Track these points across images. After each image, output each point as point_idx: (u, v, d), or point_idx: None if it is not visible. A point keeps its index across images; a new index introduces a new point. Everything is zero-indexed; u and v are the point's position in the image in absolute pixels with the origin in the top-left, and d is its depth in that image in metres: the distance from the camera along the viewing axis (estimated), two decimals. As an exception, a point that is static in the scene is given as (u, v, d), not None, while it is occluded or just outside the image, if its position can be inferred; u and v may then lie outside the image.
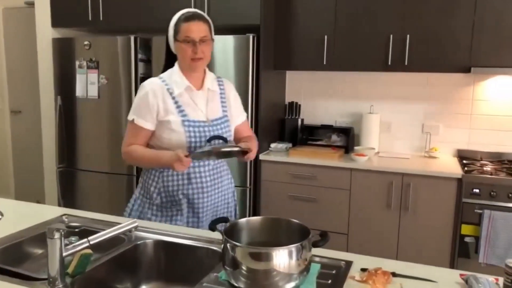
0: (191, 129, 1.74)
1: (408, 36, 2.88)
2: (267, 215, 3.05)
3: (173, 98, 1.75)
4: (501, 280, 1.17)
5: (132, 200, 1.89)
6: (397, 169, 2.82)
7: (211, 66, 3.05)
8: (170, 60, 1.82)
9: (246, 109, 2.98)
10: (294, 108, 3.50)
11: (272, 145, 3.26)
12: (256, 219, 1.33)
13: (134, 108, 1.76)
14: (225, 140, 1.76)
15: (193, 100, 1.78)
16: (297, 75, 3.52)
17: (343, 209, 2.96)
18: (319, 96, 3.50)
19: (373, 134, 3.26)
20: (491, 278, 1.20)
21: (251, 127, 3.03)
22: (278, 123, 3.45)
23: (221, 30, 3.14)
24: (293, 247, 1.15)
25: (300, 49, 3.16)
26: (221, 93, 1.87)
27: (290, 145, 3.32)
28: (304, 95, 3.54)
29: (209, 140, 1.72)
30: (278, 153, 3.17)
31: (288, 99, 3.57)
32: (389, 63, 2.95)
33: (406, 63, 2.91)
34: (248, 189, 3.10)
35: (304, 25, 3.13)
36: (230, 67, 3.03)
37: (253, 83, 3.02)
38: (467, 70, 2.79)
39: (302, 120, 3.52)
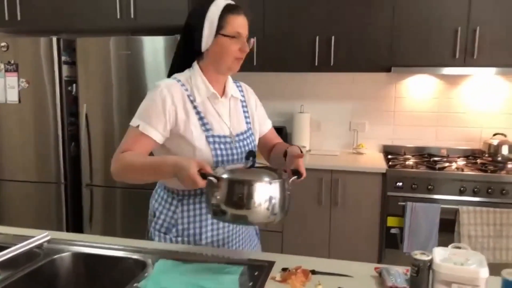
0: (216, 146, 1.44)
1: (333, 37, 2.98)
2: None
3: (195, 107, 1.45)
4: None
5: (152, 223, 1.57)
6: (326, 166, 2.91)
7: (140, 69, 2.99)
8: (184, 60, 1.50)
9: (177, 112, 2.97)
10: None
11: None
12: (235, 167, 1.40)
13: (141, 113, 1.42)
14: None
15: (216, 110, 1.49)
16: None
17: (276, 208, 3.01)
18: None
19: (304, 133, 3.34)
20: (402, 270, 1.28)
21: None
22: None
23: (151, 30, 3.09)
24: (283, 180, 1.28)
25: (230, 50, 3.16)
26: (242, 101, 1.59)
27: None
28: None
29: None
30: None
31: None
32: (316, 64, 3.04)
33: (332, 64, 3.01)
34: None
35: (233, 26, 3.14)
36: (161, 69, 2.98)
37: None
38: (388, 69, 2.93)
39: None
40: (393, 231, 2.82)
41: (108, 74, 3.06)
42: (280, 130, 3.34)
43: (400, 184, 2.77)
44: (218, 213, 1.25)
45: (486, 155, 3.02)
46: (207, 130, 1.44)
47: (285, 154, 1.50)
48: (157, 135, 1.41)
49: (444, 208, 2.68)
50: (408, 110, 3.29)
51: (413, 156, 3.17)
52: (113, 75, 3.05)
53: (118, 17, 3.01)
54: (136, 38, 2.99)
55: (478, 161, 2.96)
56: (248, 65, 3.11)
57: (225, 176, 1.26)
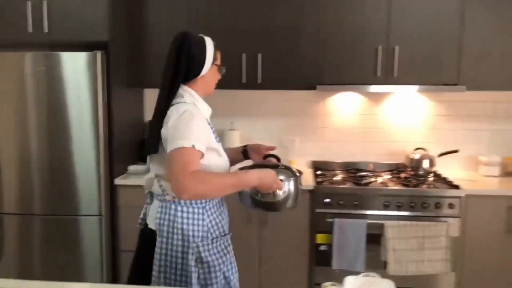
0: (226, 153, 1.83)
1: (259, 55, 2.97)
2: (127, 247, 2.88)
3: (209, 123, 1.77)
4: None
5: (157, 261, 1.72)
6: (255, 185, 2.86)
7: (60, 86, 2.80)
8: (176, 85, 1.72)
9: (97, 130, 2.81)
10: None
11: (131, 167, 3.09)
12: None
13: (191, 135, 1.58)
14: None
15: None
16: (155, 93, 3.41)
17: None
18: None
19: (234, 151, 3.28)
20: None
21: (104, 148, 2.85)
22: (138, 143, 3.30)
23: (71, 46, 2.91)
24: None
25: (155, 66, 3.05)
26: None
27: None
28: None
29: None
30: (138, 176, 3.01)
31: (148, 118, 3.44)
32: (244, 81, 3.01)
33: (259, 81, 2.99)
34: (101, 218, 2.89)
35: (158, 43, 3.04)
36: (82, 86, 2.80)
37: (106, 102, 2.84)
38: (313, 87, 2.96)
39: (164, 139, 3.42)
40: (322, 248, 2.81)
41: (22, 92, 2.83)
42: (209, 148, 3.27)
43: (328, 200, 2.78)
44: (259, 204, 1.80)
45: (409, 169, 3.12)
46: (219, 142, 1.78)
47: (243, 151, 2.02)
48: (204, 151, 1.63)
49: (370, 224, 2.72)
50: (336, 126, 3.34)
51: (341, 171, 3.21)
52: (29, 94, 2.83)
53: (30, 31, 2.80)
54: (54, 54, 2.80)
55: (402, 175, 3.06)
56: (174, 83, 3.04)
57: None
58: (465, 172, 3.23)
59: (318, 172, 3.15)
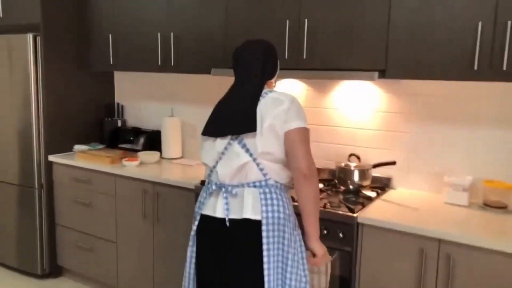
0: None
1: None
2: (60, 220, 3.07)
3: None
4: None
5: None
6: (148, 176, 2.62)
7: None
8: (262, 79, 1.71)
9: (29, 108, 2.97)
10: (118, 109, 3.44)
11: (76, 147, 3.19)
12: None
13: (303, 116, 1.63)
14: None
15: None
16: (125, 76, 3.43)
17: (110, 216, 2.84)
18: (143, 97, 3.37)
19: (174, 138, 3.07)
20: None
21: (37, 124, 3.02)
22: (97, 123, 3.39)
23: (9, 31, 3.12)
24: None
25: (104, 48, 2.99)
26: None
27: (101, 146, 3.25)
28: (130, 96, 3.43)
29: None
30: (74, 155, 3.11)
31: (118, 100, 3.48)
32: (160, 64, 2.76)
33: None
34: (36, 190, 3.08)
35: (108, 25, 2.97)
36: (16, 68, 3.00)
37: (43, 83, 2.97)
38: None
39: (124, 121, 3.43)
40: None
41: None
42: (153, 135, 3.14)
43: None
44: None
45: (333, 181, 2.39)
46: None
47: None
48: None
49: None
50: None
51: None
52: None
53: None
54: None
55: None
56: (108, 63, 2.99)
57: None
58: (426, 193, 2.31)
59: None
